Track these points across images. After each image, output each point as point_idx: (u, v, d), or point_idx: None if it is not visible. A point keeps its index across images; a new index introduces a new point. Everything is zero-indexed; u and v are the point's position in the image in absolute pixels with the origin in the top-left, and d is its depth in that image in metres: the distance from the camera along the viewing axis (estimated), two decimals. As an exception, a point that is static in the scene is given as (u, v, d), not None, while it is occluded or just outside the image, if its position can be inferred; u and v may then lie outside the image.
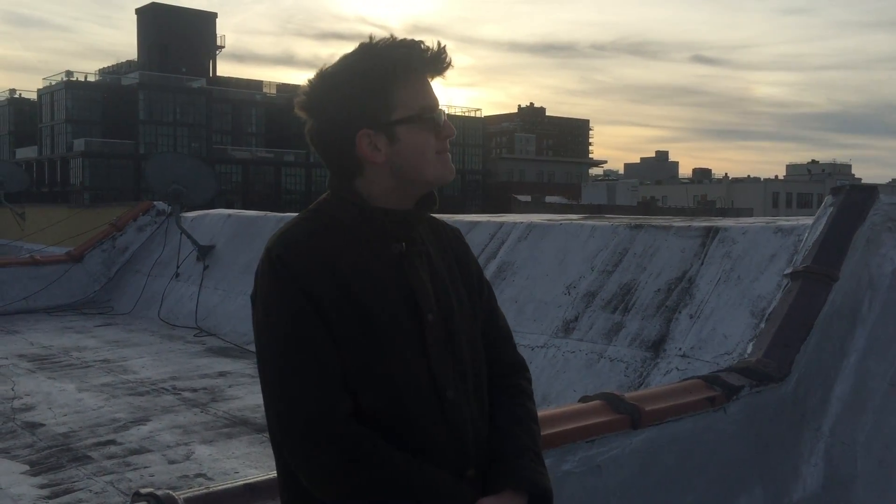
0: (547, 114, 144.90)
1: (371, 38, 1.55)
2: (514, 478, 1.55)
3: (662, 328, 4.53)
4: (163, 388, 5.93)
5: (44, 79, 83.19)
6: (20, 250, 12.99)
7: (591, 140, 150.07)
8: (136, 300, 9.40)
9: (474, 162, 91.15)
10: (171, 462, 4.31)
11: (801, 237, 4.22)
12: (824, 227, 3.92)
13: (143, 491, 2.01)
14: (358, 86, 1.53)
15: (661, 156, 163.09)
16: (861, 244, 3.82)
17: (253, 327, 1.55)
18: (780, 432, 3.27)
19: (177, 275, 9.29)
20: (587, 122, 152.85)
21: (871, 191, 4.04)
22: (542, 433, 1.70)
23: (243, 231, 9.16)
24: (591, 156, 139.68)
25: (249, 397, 5.59)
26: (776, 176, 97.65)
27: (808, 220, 4.30)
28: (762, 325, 3.67)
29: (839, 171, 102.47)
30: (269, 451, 1.55)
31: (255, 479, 2.12)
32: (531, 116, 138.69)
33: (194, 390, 5.86)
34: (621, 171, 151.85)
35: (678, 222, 5.26)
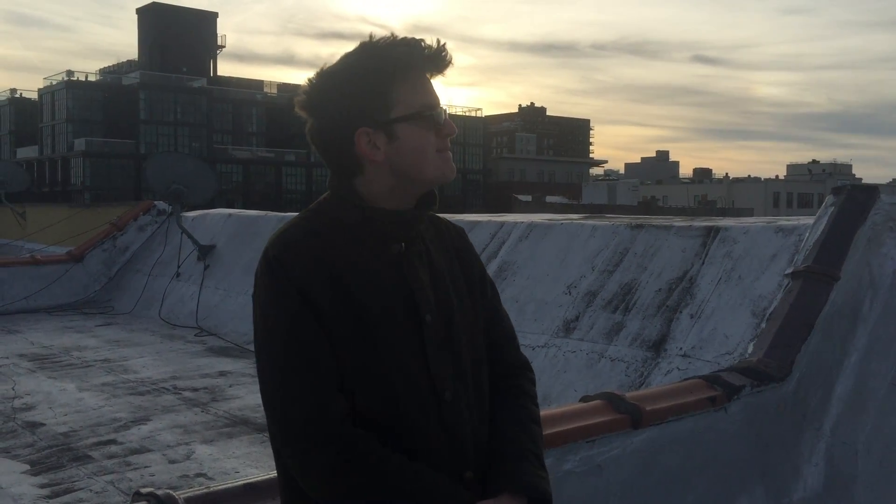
0: (548, 113, 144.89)
1: (371, 36, 1.54)
2: (513, 481, 1.53)
3: (663, 328, 4.53)
4: (163, 387, 5.93)
5: (44, 78, 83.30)
6: (21, 250, 13.00)
7: (591, 140, 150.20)
8: (136, 300, 9.41)
9: (475, 161, 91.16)
10: (172, 462, 4.31)
11: (802, 237, 4.22)
12: (825, 226, 3.91)
13: (143, 490, 2.01)
14: (357, 84, 1.52)
15: (662, 156, 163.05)
16: (862, 244, 3.82)
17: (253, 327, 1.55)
18: (780, 432, 3.27)
19: (177, 274, 9.29)
20: (588, 121, 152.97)
21: (872, 191, 4.03)
22: (542, 433, 1.69)
23: (244, 231, 9.16)
24: (591, 155, 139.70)
25: (250, 397, 5.59)
26: (777, 176, 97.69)
27: (809, 220, 4.29)
28: (763, 325, 3.66)
29: (840, 171, 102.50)
30: (270, 450, 1.55)
31: (256, 479, 2.11)
32: (532, 116, 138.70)
33: (195, 390, 5.86)
34: (622, 171, 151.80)
35: (679, 222, 5.25)
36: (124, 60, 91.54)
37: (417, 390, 1.51)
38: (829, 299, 3.54)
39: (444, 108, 1.60)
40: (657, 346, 4.48)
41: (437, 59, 1.55)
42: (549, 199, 64.75)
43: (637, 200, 65.71)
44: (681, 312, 4.52)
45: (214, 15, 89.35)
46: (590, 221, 5.72)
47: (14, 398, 5.60)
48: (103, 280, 10.21)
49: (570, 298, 5.16)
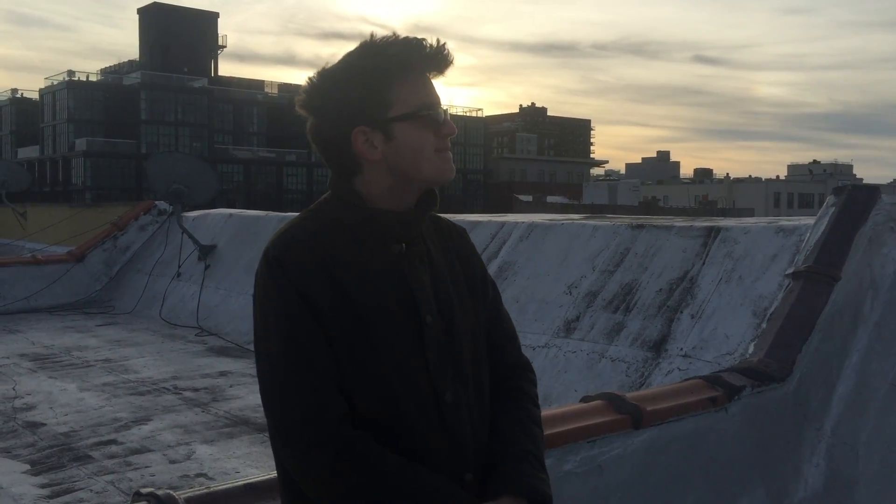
0: (548, 113, 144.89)
1: (373, 35, 1.54)
2: (514, 483, 1.53)
3: (664, 328, 4.53)
4: (164, 387, 5.93)
5: (45, 78, 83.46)
6: (22, 250, 13.00)
7: (592, 140, 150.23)
8: (137, 300, 9.41)
9: (476, 162, 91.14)
10: (172, 462, 4.31)
11: (802, 237, 4.22)
12: (826, 227, 3.91)
13: (143, 491, 2.01)
14: (355, 83, 1.52)
15: (663, 156, 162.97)
16: (863, 244, 3.82)
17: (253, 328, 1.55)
18: (781, 432, 3.27)
19: (178, 274, 9.29)
20: (588, 121, 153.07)
21: (873, 191, 4.03)
22: (543, 434, 1.68)
23: (245, 231, 9.16)
24: (592, 156, 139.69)
25: (250, 397, 5.58)
26: (777, 176, 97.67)
27: (810, 220, 4.29)
28: (764, 325, 3.66)
29: (841, 171, 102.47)
30: (270, 450, 1.55)
31: (256, 479, 2.11)
32: (532, 116, 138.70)
33: (195, 390, 5.86)
34: (623, 171, 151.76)
35: (680, 222, 5.25)
36: (125, 60, 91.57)
37: (417, 391, 1.50)
38: (830, 300, 3.54)
39: (445, 107, 1.59)
40: (658, 347, 4.48)
41: (437, 59, 1.54)
42: (550, 199, 64.77)
43: (638, 201, 65.70)
44: (681, 313, 4.52)
45: (215, 15, 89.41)
46: (590, 222, 5.72)
47: (15, 398, 5.60)
48: (104, 280, 10.21)
49: (570, 298, 5.15)
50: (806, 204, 76.41)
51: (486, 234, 6.09)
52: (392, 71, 1.51)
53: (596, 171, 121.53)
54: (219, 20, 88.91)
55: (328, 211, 1.58)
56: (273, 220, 8.92)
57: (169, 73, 77.88)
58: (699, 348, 4.29)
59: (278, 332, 1.47)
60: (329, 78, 1.54)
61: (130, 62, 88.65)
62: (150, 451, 4.48)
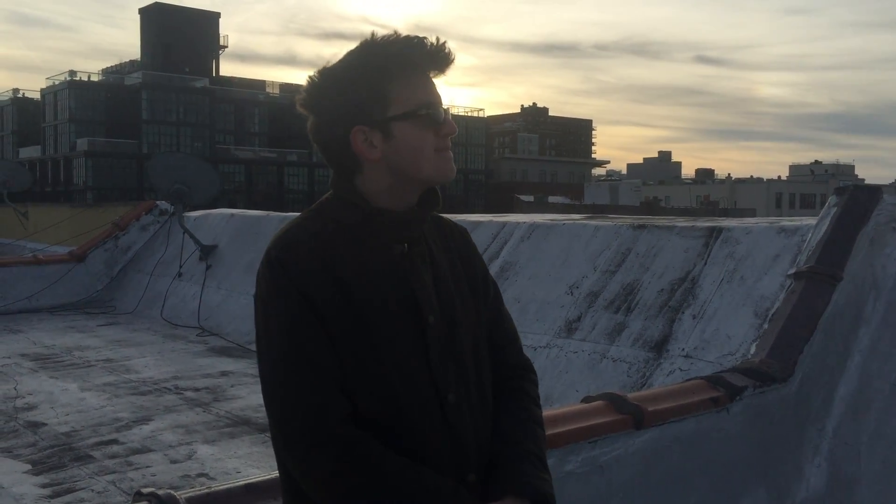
0: (550, 114, 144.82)
1: (373, 34, 1.53)
2: (516, 484, 1.52)
3: (665, 328, 4.53)
4: (165, 387, 5.93)
5: (47, 78, 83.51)
6: (23, 250, 13.01)
7: (593, 140, 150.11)
8: (138, 300, 9.41)
9: (477, 162, 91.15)
10: (173, 462, 4.31)
11: (804, 237, 4.21)
12: (828, 227, 3.91)
13: (144, 490, 2.01)
14: (354, 82, 1.51)
15: (664, 156, 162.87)
16: (865, 244, 3.81)
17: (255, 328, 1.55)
18: (783, 433, 3.26)
19: (179, 274, 9.29)
20: (590, 122, 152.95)
21: (875, 191, 4.03)
22: (545, 435, 1.68)
23: (246, 231, 9.16)
24: (593, 156, 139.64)
25: (252, 397, 5.58)
26: (779, 176, 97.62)
27: (812, 221, 4.29)
28: (765, 326, 3.66)
29: (842, 171, 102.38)
30: (271, 450, 1.55)
31: (257, 479, 2.11)
32: (534, 116, 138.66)
33: (196, 390, 5.86)
34: (624, 172, 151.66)
35: (681, 222, 5.25)
36: (127, 60, 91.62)
37: (420, 392, 1.50)
38: (832, 300, 3.54)
39: (446, 107, 1.59)
40: (659, 347, 4.47)
41: (437, 58, 1.53)
42: (552, 199, 64.75)
43: (639, 201, 65.65)
44: (683, 313, 4.51)
45: (217, 15, 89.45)
46: (592, 222, 5.72)
47: (16, 398, 5.61)
48: (105, 280, 10.21)
49: (572, 299, 5.15)
50: (808, 204, 76.36)
51: (488, 235, 6.08)
52: (391, 70, 1.51)
53: (597, 171, 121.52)
54: (220, 20, 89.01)
55: (330, 211, 1.57)
56: (274, 220, 8.92)
57: (170, 73, 77.94)
58: (701, 349, 4.28)
59: (280, 332, 1.46)
60: (329, 77, 1.54)
61: (132, 62, 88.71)
62: (151, 450, 4.48)
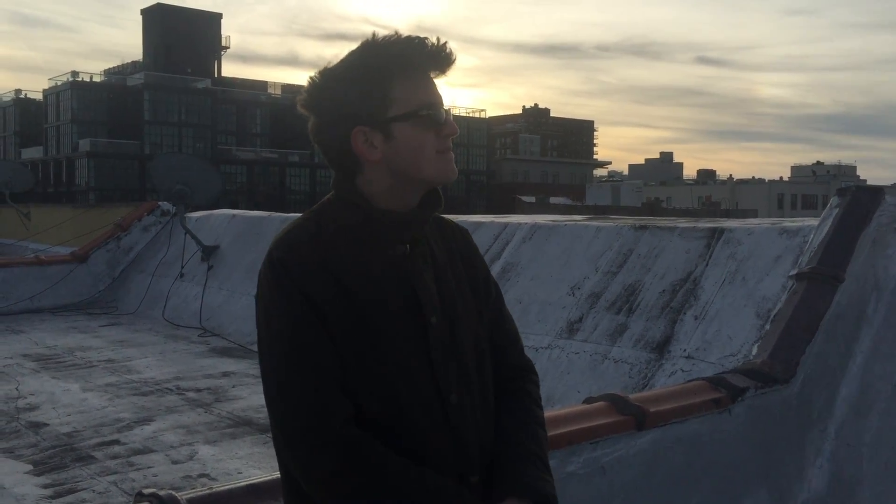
0: (551, 115, 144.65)
1: (374, 34, 1.53)
2: (518, 485, 1.52)
3: (667, 329, 4.52)
4: (167, 388, 5.93)
5: (49, 79, 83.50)
6: (25, 250, 13.02)
7: (595, 141, 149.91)
8: (140, 300, 9.41)
9: (478, 163, 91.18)
10: (175, 462, 4.31)
11: (806, 238, 4.21)
12: (830, 228, 3.90)
13: (146, 491, 2.01)
14: (355, 82, 1.51)
15: (666, 157, 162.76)
16: (867, 245, 3.81)
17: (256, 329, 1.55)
18: (785, 434, 3.26)
19: (181, 275, 9.30)
20: (591, 122, 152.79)
21: (877, 192, 4.02)
22: (547, 436, 1.68)
23: (248, 231, 9.17)
24: (595, 157, 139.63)
25: (253, 397, 5.58)
26: (781, 177, 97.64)
27: (814, 222, 4.28)
28: (767, 327, 3.65)
29: (844, 172, 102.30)
30: (273, 451, 1.54)
31: (259, 480, 2.11)
32: (535, 117, 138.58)
33: (198, 390, 5.87)
34: (626, 172, 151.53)
35: (683, 223, 5.24)
36: (129, 61, 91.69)
37: (422, 392, 1.50)
38: (834, 301, 3.53)
39: (448, 108, 1.58)
40: (661, 348, 4.47)
41: (438, 58, 1.53)
42: (553, 200, 64.74)
43: (641, 202, 65.64)
44: (685, 314, 4.51)
45: (219, 16, 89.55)
46: (593, 223, 5.72)
47: (18, 398, 5.61)
48: (107, 280, 10.22)
49: (573, 300, 5.15)
50: (809, 205, 76.32)
51: (490, 235, 6.08)
52: (392, 70, 1.50)
53: (599, 172, 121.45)
54: (222, 21, 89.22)
55: (331, 211, 1.57)
56: (276, 221, 8.93)
57: (172, 74, 78.02)
58: (702, 350, 4.28)
59: (282, 332, 1.46)
60: (330, 77, 1.54)
61: (134, 63, 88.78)
62: (152, 451, 4.48)
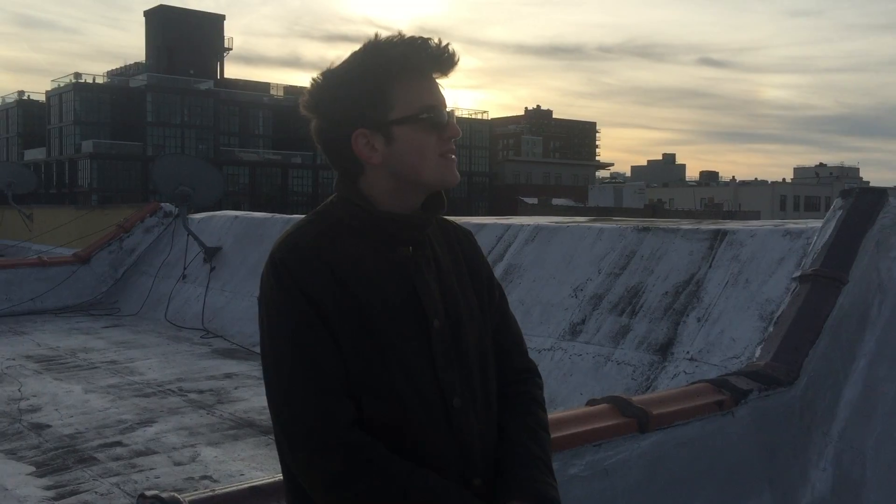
0: (554, 116, 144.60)
1: (377, 36, 1.52)
2: (522, 489, 1.51)
3: (670, 331, 4.51)
4: (169, 389, 5.93)
5: (52, 81, 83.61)
6: (28, 251, 13.04)
7: (597, 142, 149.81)
8: (142, 301, 9.42)
9: (481, 164, 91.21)
10: (177, 464, 4.31)
11: (809, 240, 4.20)
12: (833, 230, 3.89)
13: (148, 493, 2.00)
14: (356, 84, 1.50)
15: (668, 158, 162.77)
16: (870, 247, 3.80)
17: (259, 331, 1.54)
18: (788, 436, 3.25)
19: (183, 276, 9.30)
20: (594, 124, 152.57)
21: (881, 194, 4.01)
22: (551, 439, 1.66)
23: (250, 233, 9.17)
24: (597, 158, 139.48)
25: (255, 399, 5.58)
26: (784, 179, 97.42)
27: (817, 224, 4.28)
28: (771, 329, 3.64)
29: (847, 174, 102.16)
30: (275, 453, 1.54)
31: (261, 482, 2.10)
32: (538, 119, 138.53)
33: (200, 392, 5.86)
34: (628, 174, 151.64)
35: (686, 225, 5.24)
36: (132, 63, 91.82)
37: (425, 396, 1.49)
38: (838, 303, 3.52)
39: (451, 109, 1.57)
40: (664, 350, 4.46)
41: (440, 59, 1.51)
42: (555, 201, 64.79)
43: (643, 203, 65.65)
44: (688, 316, 4.50)
45: (221, 17, 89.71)
46: (596, 224, 5.71)
47: (20, 399, 5.61)
48: (110, 282, 10.23)
49: (576, 301, 5.14)
50: (812, 207, 76.25)
51: (492, 237, 6.08)
52: (393, 72, 1.49)
53: (601, 173, 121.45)
54: (224, 22, 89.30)
55: (334, 213, 1.56)
56: (278, 223, 8.93)
57: (175, 76, 78.14)
58: (705, 352, 4.27)
59: (284, 335, 1.46)
60: (332, 78, 1.53)
61: (137, 64, 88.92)
62: (154, 453, 4.48)
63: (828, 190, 78.80)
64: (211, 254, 9.17)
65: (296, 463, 1.44)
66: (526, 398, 1.67)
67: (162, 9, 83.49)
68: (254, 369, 6.47)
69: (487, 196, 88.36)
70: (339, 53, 1.62)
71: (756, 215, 53.86)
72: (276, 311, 1.47)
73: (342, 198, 1.57)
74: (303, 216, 1.62)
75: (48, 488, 3.96)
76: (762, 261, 4.43)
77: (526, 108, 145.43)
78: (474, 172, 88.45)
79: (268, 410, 1.49)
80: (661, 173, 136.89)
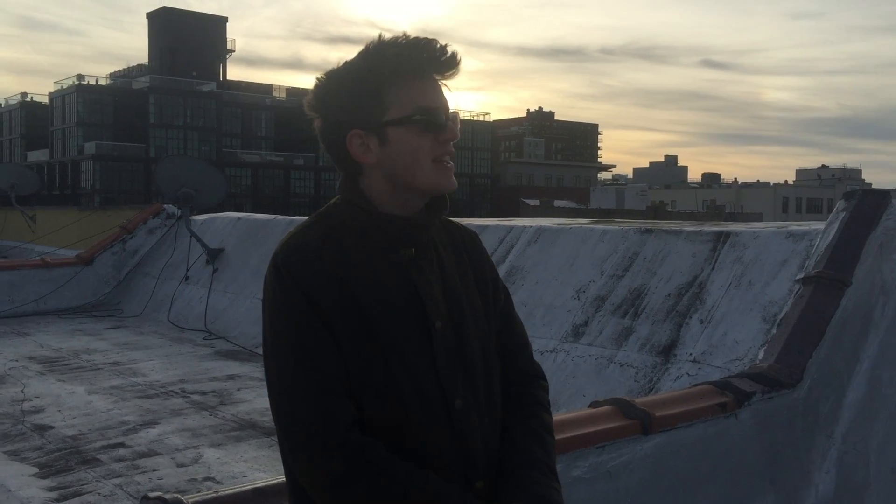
0: (556, 118, 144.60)
1: (380, 36, 1.52)
2: (524, 492, 1.50)
3: (673, 333, 4.51)
4: (172, 390, 5.94)
5: (55, 82, 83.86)
6: (31, 253, 13.05)
7: (599, 144, 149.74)
8: (145, 303, 9.43)
9: (483, 166, 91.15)
10: (180, 465, 4.31)
11: (812, 242, 4.20)
12: (837, 231, 3.89)
13: (151, 495, 2.00)
14: (353, 85, 1.50)
15: (671, 160, 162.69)
16: (874, 249, 3.79)
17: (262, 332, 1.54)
18: (792, 439, 3.24)
19: (186, 278, 9.31)
20: (596, 126, 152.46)
21: (884, 195, 4.01)
22: (555, 443, 1.65)
23: (252, 234, 9.17)
24: (599, 160, 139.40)
25: (258, 400, 5.58)
26: (786, 181, 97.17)
27: (820, 225, 4.27)
28: (774, 331, 3.64)
29: (849, 175, 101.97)
30: (278, 454, 1.54)
31: (264, 484, 2.10)
32: (540, 120, 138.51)
33: (203, 393, 5.87)
34: (630, 176, 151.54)
35: (689, 227, 5.23)
36: (134, 64, 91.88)
37: (427, 398, 1.48)
38: (841, 305, 3.52)
39: (455, 112, 1.56)
40: (667, 352, 4.46)
41: (437, 61, 1.50)
42: (557, 203, 64.73)
43: (645, 205, 65.56)
44: (690, 318, 4.50)
45: (224, 19, 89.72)
46: (599, 226, 5.71)
47: (23, 401, 5.62)
48: (112, 283, 10.24)
49: (578, 303, 5.14)
50: (814, 209, 76.15)
51: (495, 239, 6.08)
52: (388, 73, 1.49)
53: (603, 175, 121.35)
54: (227, 24, 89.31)
55: (337, 214, 1.56)
56: (281, 224, 8.93)
57: (177, 78, 78.20)
58: (708, 353, 4.27)
59: (286, 336, 1.46)
60: (332, 79, 1.54)
61: (139, 66, 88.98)
62: (157, 454, 4.48)
63: (830, 192, 78.68)
64: (213, 255, 9.18)
65: (296, 464, 1.44)
66: (530, 400, 1.66)
67: (165, 11, 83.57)
68: (256, 370, 6.48)
69: (489, 198, 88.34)
70: (341, 55, 1.63)
71: (758, 217, 53.81)
72: (277, 313, 1.48)
73: (345, 199, 1.57)
74: (306, 218, 1.62)
75: (51, 490, 3.96)
76: (765, 263, 4.42)
77: (528, 109, 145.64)
78: (476, 174, 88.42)
79: (270, 412, 1.49)
80: (663, 175, 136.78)
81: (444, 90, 1.55)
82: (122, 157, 73.59)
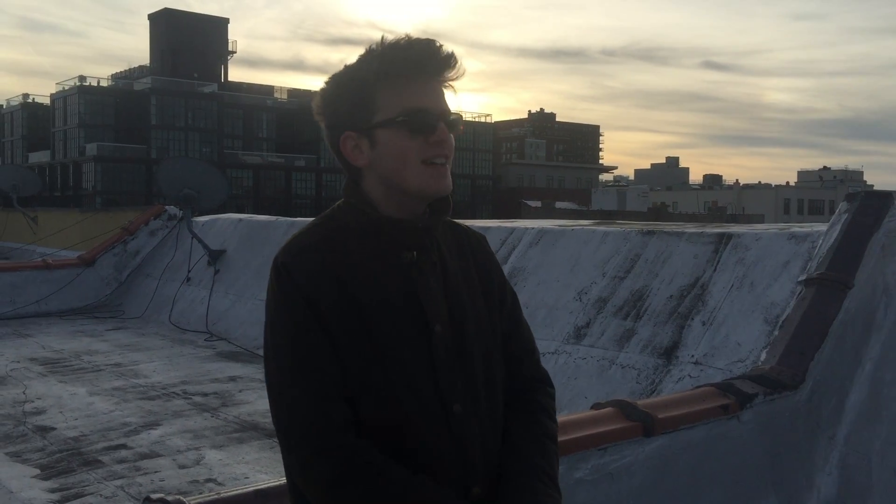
0: (557, 119, 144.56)
1: (382, 38, 1.52)
2: (521, 499, 1.49)
3: (675, 335, 4.51)
4: (173, 392, 5.94)
5: (57, 84, 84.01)
6: (32, 254, 13.06)
7: (601, 146, 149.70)
8: (147, 304, 9.43)
9: (484, 167, 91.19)
10: (182, 467, 4.31)
11: (815, 244, 4.19)
12: (839, 233, 3.89)
13: (153, 496, 2.01)
14: (347, 87, 1.51)
15: (672, 162, 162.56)
16: (876, 251, 3.79)
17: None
18: (794, 441, 3.24)
19: (188, 279, 9.31)
20: (597, 127, 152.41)
21: (887, 197, 4.00)
22: (557, 450, 1.63)
23: (254, 235, 9.18)
24: (601, 161, 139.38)
25: (260, 402, 5.58)
26: (787, 182, 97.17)
27: (823, 227, 4.27)
28: (776, 333, 3.63)
29: (851, 177, 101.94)
30: (279, 456, 1.54)
31: (265, 485, 2.11)
32: (541, 122, 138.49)
33: (205, 395, 5.87)
34: (631, 177, 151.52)
35: (691, 228, 5.23)
36: (136, 66, 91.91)
37: (424, 402, 1.47)
38: (843, 307, 3.52)
39: (457, 114, 1.54)
40: (669, 354, 4.45)
41: (428, 62, 1.49)
42: (559, 204, 64.71)
43: (647, 206, 65.53)
44: (692, 319, 4.50)
45: (225, 21, 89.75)
46: (601, 227, 5.70)
47: (25, 402, 5.62)
48: (114, 284, 10.25)
49: (580, 305, 5.14)
50: (816, 210, 76.12)
51: (496, 240, 6.08)
52: (377, 75, 1.48)
53: (605, 176, 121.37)
54: (228, 26, 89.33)
55: (340, 216, 1.56)
56: (282, 226, 8.94)
57: (179, 79, 78.25)
58: (710, 355, 4.26)
59: (285, 338, 1.46)
60: (332, 82, 1.55)
61: (141, 67, 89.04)
62: (159, 456, 4.48)
63: (832, 193, 78.66)
64: (215, 256, 9.18)
65: (292, 465, 1.44)
66: (535, 406, 1.64)
67: (166, 12, 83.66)
68: (258, 372, 6.47)
69: (490, 199, 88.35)
70: (343, 57, 1.63)
71: (760, 219, 53.83)
72: (277, 315, 1.48)
73: (348, 202, 1.57)
74: (310, 219, 1.62)
75: (53, 491, 3.96)
76: (767, 264, 4.42)
77: (529, 111, 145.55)
78: (478, 175, 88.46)
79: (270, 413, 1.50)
80: (665, 176, 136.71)
81: (447, 92, 1.54)
82: (123, 159, 73.63)
